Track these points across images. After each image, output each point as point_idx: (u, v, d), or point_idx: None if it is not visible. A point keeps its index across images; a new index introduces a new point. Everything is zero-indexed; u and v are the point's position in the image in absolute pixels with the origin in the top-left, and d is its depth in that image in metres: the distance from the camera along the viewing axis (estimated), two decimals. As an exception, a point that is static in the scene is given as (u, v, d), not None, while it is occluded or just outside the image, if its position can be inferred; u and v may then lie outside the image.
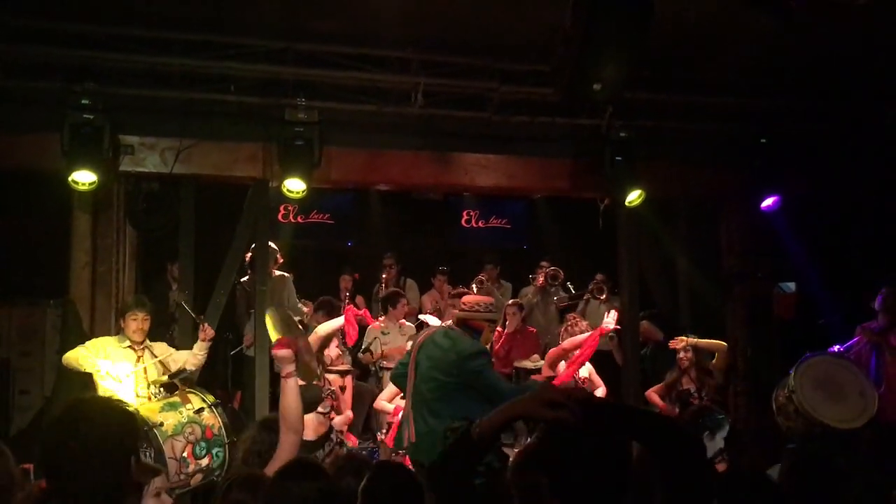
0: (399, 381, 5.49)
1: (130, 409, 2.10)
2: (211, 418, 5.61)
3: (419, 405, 5.09)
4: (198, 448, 5.33)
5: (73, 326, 6.65)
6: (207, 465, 5.42)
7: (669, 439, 1.99)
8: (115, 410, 2.03)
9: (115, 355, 5.95)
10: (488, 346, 5.63)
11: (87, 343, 6.01)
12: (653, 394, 6.94)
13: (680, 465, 1.95)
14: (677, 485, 1.93)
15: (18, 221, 7.24)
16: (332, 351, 6.24)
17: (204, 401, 5.71)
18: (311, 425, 5.52)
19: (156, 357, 6.11)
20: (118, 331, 6.26)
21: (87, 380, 5.93)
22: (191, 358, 6.26)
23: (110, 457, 1.89)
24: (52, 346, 6.87)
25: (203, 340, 6.31)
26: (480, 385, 4.90)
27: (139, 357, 6.04)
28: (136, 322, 6.02)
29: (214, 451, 5.49)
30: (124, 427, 1.99)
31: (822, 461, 3.45)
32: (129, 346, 6.02)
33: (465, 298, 5.46)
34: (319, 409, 5.62)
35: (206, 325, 6.38)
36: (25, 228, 7.47)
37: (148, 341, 6.15)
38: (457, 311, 5.39)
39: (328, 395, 5.71)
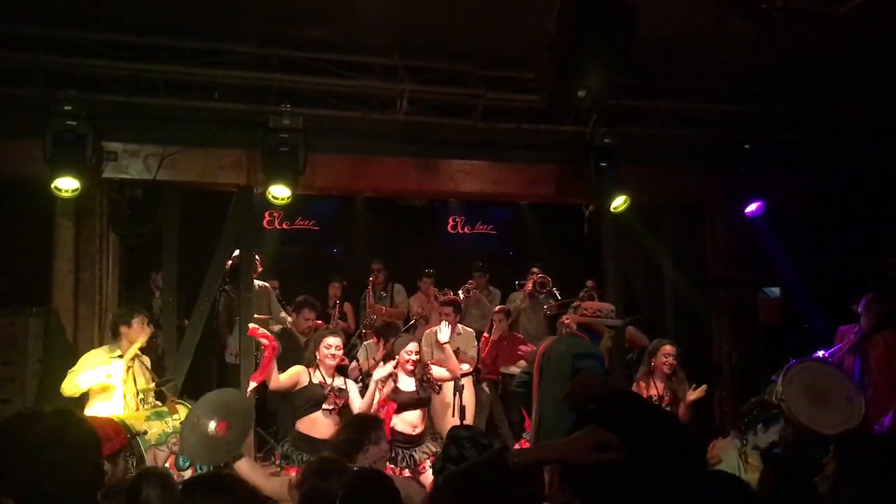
0: (522, 388, 5.53)
1: (85, 421, 2.04)
2: None
3: (547, 409, 5.14)
4: (181, 460, 5.27)
5: (55, 335, 6.58)
6: (191, 476, 5.35)
7: (673, 437, 1.98)
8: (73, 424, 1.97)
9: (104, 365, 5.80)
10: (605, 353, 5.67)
11: (75, 367, 5.83)
12: None
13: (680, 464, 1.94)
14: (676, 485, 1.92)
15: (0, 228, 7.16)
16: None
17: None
18: (323, 425, 5.54)
19: (146, 367, 5.98)
20: (104, 340, 6.16)
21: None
22: None
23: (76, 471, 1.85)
24: (35, 355, 6.76)
25: None
26: None
27: (129, 367, 5.87)
28: (145, 330, 5.92)
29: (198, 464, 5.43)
30: (85, 440, 1.94)
31: (800, 473, 3.47)
32: (119, 356, 5.85)
33: (587, 304, 5.53)
34: (325, 406, 5.60)
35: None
36: (7, 236, 7.38)
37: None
38: (577, 315, 5.42)
39: (330, 391, 5.65)
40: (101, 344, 6.34)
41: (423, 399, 5.99)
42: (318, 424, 5.52)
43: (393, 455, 5.73)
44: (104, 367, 5.76)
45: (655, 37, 5.85)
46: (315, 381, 5.66)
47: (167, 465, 5.19)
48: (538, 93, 5.69)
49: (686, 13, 5.90)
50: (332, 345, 5.72)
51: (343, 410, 5.64)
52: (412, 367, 5.94)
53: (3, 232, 7.28)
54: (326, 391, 5.59)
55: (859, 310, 6.66)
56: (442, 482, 2.15)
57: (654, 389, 6.21)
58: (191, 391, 6.50)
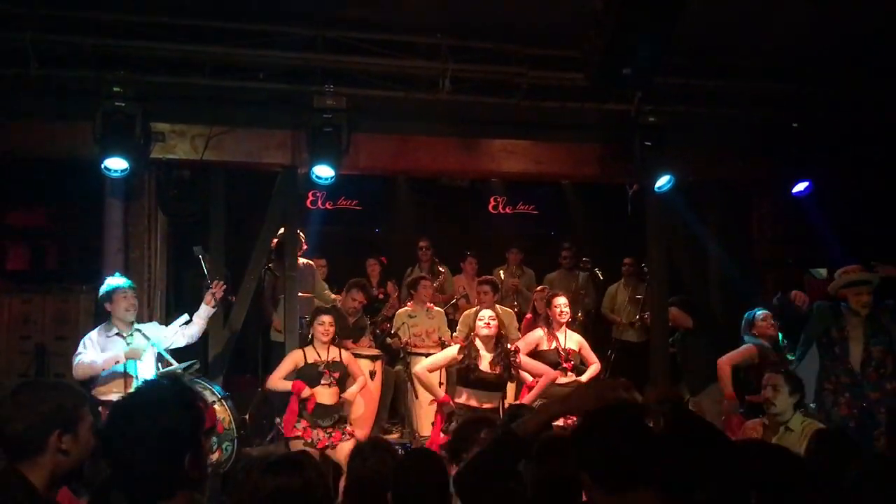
0: None
1: (199, 401, 2.04)
2: (222, 412, 5.59)
3: None
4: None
5: (105, 312, 6.74)
6: (217, 459, 5.40)
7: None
8: (176, 402, 1.97)
9: (103, 345, 5.65)
10: None
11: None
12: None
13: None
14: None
15: (53, 209, 7.33)
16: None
17: (214, 394, 5.66)
18: (325, 396, 5.90)
19: (148, 339, 5.72)
20: (152, 318, 6.21)
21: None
22: (184, 329, 5.93)
23: (162, 447, 1.86)
24: (86, 331, 6.95)
25: (209, 304, 6.05)
26: None
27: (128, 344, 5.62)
28: (127, 300, 5.70)
29: (224, 446, 5.49)
30: (183, 418, 1.95)
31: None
32: (117, 334, 5.68)
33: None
34: (322, 381, 5.91)
35: (219, 283, 6.16)
36: (59, 215, 7.56)
37: (136, 323, 5.82)
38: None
39: (325, 368, 5.95)
40: (149, 320, 6.47)
41: (498, 383, 5.96)
42: (321, 397, 5.89)
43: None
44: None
45: (702, 14, 5.76)
46: (310, 360, 5.99)
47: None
48: (583, 71, 5.65)
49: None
50: (325, 321, 6.08)
51: (339, 382, 6.02)
52: (488, 332, 5.97)
53: (55, 212, 7.46)
54: (321, 368, 5.93)
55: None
56: (460, 473, 2.17)
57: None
58: (237, 368, 6.61)
